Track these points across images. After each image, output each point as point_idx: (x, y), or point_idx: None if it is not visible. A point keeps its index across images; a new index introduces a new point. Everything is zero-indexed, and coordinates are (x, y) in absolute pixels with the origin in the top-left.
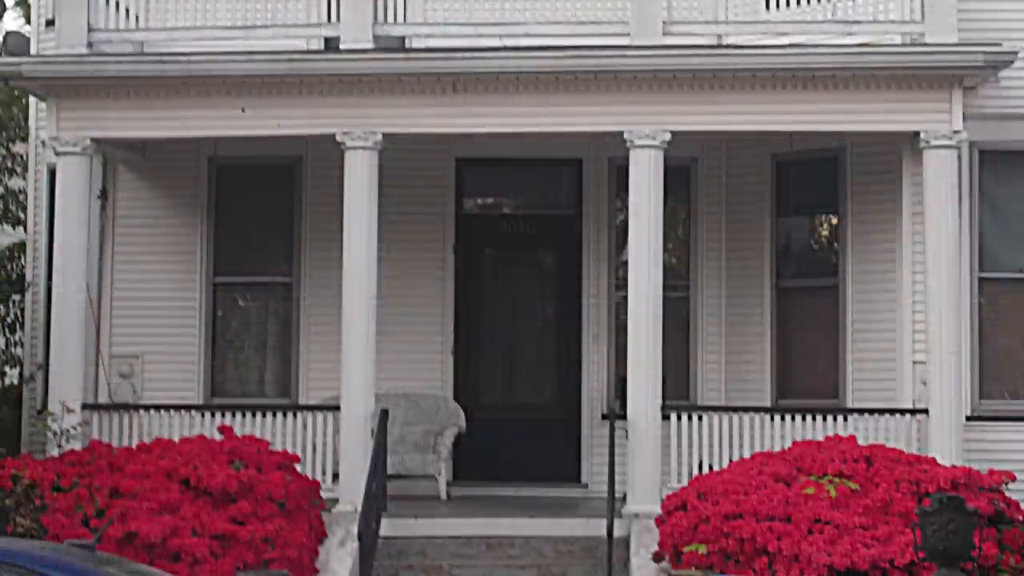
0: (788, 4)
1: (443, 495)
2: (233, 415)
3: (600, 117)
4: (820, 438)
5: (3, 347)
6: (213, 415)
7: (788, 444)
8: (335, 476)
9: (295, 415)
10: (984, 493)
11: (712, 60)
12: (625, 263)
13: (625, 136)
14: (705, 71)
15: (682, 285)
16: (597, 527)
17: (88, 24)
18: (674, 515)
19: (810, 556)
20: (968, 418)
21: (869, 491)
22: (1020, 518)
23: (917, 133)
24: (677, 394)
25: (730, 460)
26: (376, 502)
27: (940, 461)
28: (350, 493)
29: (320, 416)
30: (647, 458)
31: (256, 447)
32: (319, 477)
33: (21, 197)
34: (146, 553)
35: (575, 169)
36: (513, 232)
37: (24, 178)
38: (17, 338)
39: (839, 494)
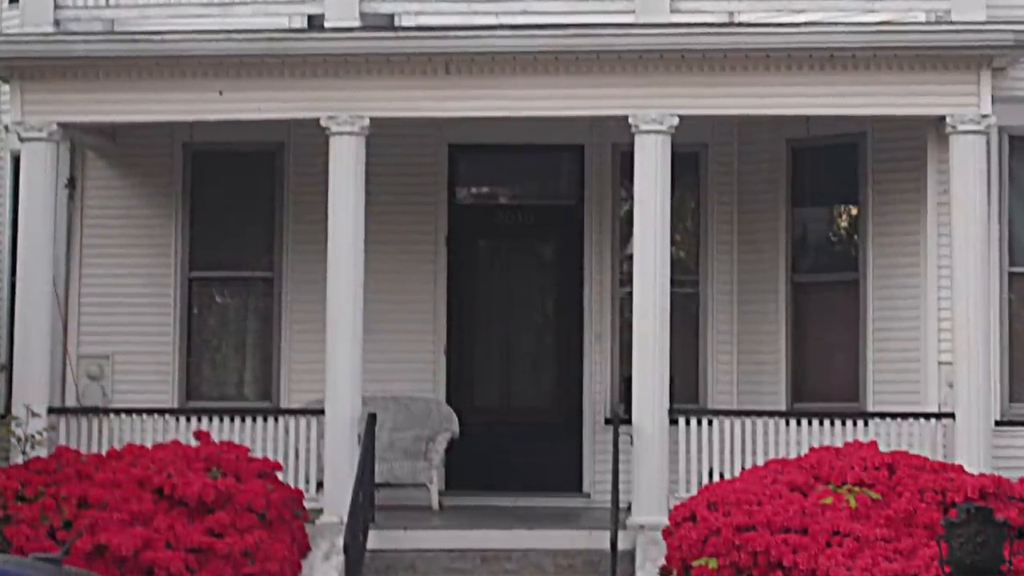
0: None
1: (435, 505)
2: (210, 419)
3: (603, 100)
4: (839, 444)
5: None
6: (189, 419)
7: (804, 451)
8: (319, 485)
9: (276, 419)
10: (1014, 503)
11: (723, 39)
12: (630, 256)
13: (630, 120)
14: (715, 51)
15: (691, 280)
16: (600, 539)
17: (54, 1)
18: (682, 527)
19: (828, 570)
20: (997, 423)
21: (891, 501)
22: None
23: (943, 117)
24: (686, 397)
25: (742, 468)
26: (363, 513)
27: (967, 469)
28: (335, 503)
29: (303, 420)
30: (653, 465)
31: (235, 454)
32: (302, 486)
33: None
34: (116, 567)
35: (576, 156)
36: (510, 223)
37: None
38: None
39: (859, 504)
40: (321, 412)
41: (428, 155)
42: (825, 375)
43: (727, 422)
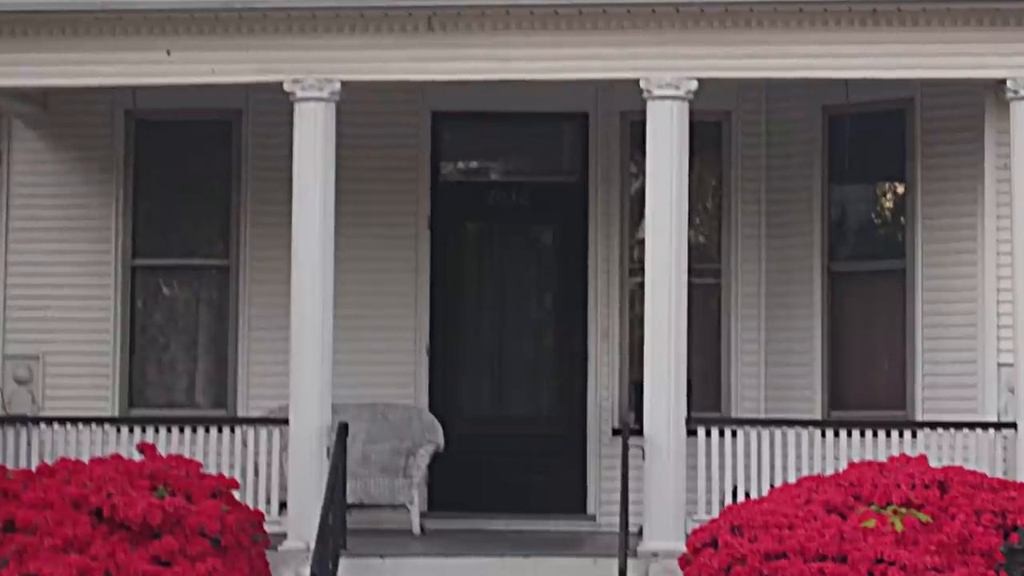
0: None
1: (416, 529)
2: (156, 430)
3: (611, 61)
4: (883, 458)
5: None
6: (131, 430)
7: (843, 466)
8: (283, 506)
9: (233, 430)
10: None
11: None
12: (641, 242)
13: (641, 85)
14: (740, 4)
15: (712, 269)
16: (607, 568)
17: None
18: (702, 554)
19: None
20: None
21: (943, 524)
22: None
23: (1003, 81)
24: (706, 404)
25: (771, 486)
26: (333, 538)
27: None
28: (301, 527)
29: (264, 431)
30: (668, 483)
31: (185, 470)
32: (263, 507)
33: None
34: None
35: (580, 126)
36: (502, 203)
37: None
38: None
39: (906, 528)
40: (285, 421)
41: (408, 125)
42: (867, 379)
43: (753, 433)
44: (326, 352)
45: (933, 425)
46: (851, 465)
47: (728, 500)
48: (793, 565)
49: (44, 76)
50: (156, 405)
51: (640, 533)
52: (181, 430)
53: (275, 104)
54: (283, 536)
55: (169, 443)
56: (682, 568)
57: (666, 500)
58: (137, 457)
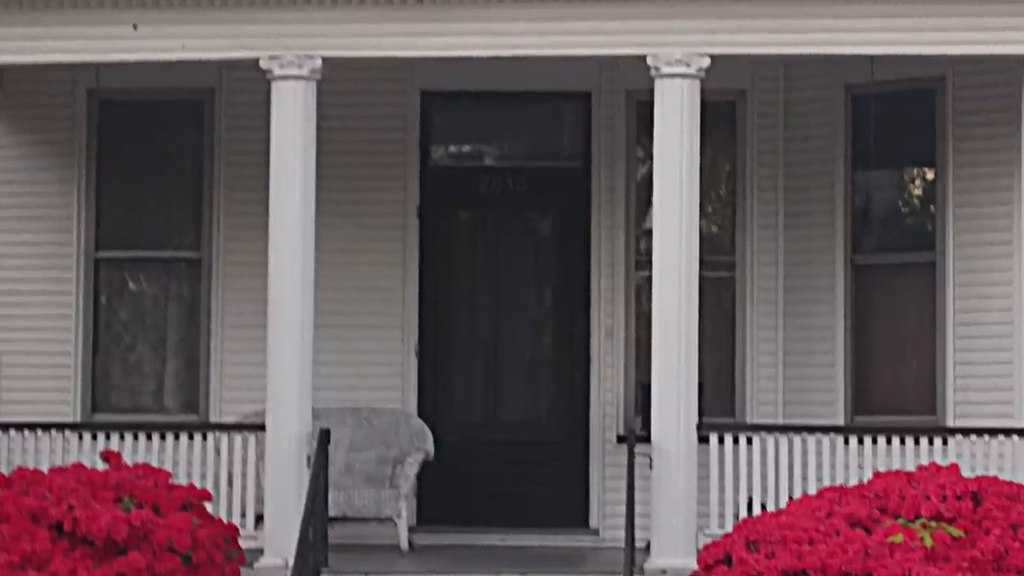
0: None
1: (404, 544)
2: (122, 437)
3: (615, 36)
4: (911, 468)
5: None
6: (95, 437)
7: (868, 476)
8: (259, 519)
9: (205, 437)
10: None
11: None
12: (648, 232)
13: (649, 61)
14: None
15: (725, 262)
16: None
17: None
18: (715, 571)
19: None
20: None
21: (977, 539)
22: None
23: None
24: (719, 408)
25: (790, 497)
26: (314, 554)
27: None
28: (279, 542)
29: (239, 438)
30: (678, 494)
31: (153, 480)
32: (237, 520)
33: None
34: None
35: (581, 106)
36: (498, 190)
37: None
38: None
39: (936, 543)
40: (262, 427)
41: (395, 105)
42: (893, 381)
43: (770, 440)
44: (306, 352)
45: (966, 431)
46: (876, 475)
47: (743, 513)
48: None
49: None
50: (121, 410)
51: (647, 549)
52: (149, 437)
53: (251, 83)
54: (259, 552)
55: (136, 451)
56: None
57: (675, 513)
58: (101, 466)
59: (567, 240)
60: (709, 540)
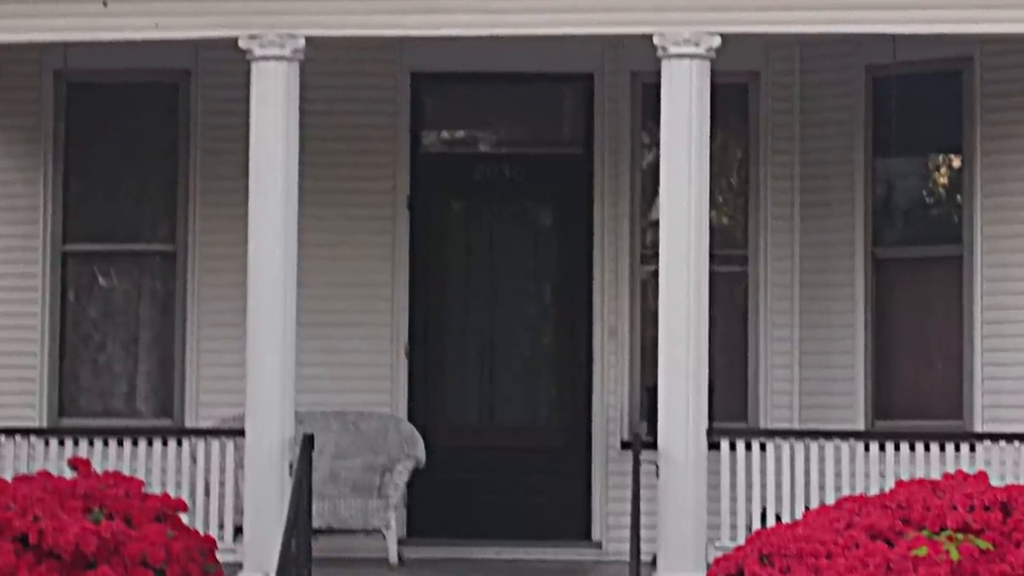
0: None
1: (393, 557)
2: (91, 443)
3: (619, 14)
4: (936, 476)
5: None
6: (62, 443)
7: (890, 484)
8: (238, 530)
9: (180, 443)
10: None
11: None
12: (655, 223)
13: (655, 41)
14: None
15: (737, 255)
16: None
17: None
18: None
19: None
20: None
21: (1006, 552)
22: None
23: None
24: (730, 413)
25: (806, 507)
26: (296, 568)
27: None
28: (259, 555)
29: (216, 444)
30: (687, 504)
31: (124, 489)
32: (215, 532)
33: None
34: None
35: (583, 89)
36: (493, 179)
37: None
38: None
39: (963, 556)
40: (241, 433)
41: (384, 88)
42: (917, 383)
43: (786, 446)
44: (288, 352)
45: (995, 437)
46: (899, 484)
47: (756, 524)
48: None
49: None
50: (91, 414)
51: (653, 562)
52: (120, 443)
53: (229, 64)
54: (238, 566)
55: (106, 458)
56: None
57: (684, 524)
58: (69, 474)
59: (567, 232)
60: (720, 553)
